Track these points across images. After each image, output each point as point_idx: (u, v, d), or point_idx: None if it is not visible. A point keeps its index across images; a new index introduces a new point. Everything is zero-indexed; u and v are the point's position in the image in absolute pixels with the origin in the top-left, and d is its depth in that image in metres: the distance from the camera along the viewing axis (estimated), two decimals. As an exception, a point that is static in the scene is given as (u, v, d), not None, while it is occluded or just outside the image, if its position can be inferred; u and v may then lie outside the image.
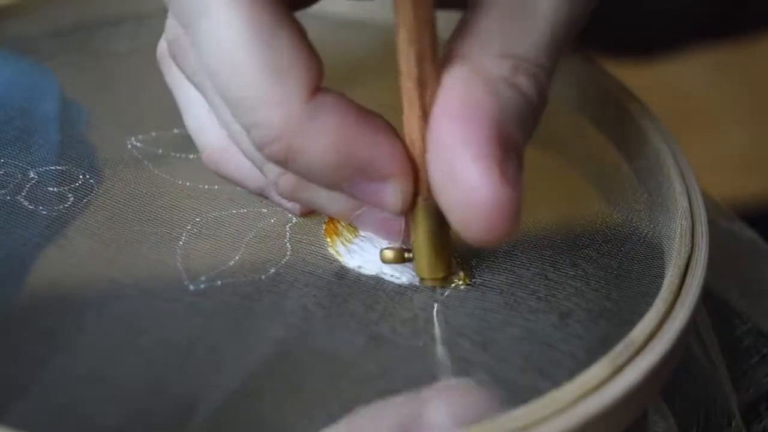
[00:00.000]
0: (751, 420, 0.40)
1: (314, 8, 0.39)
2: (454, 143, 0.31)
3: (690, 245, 0.37)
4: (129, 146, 0.42)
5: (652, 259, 0.38)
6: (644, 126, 0.42)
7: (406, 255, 0.36)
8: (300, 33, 0.32)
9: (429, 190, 0.33)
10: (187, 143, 0.40)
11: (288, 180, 0.35)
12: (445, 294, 0.36)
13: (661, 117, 0.43)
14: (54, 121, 0.43)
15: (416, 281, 0.37)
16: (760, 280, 0.43)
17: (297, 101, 0.31)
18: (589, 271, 0.37)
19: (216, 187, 0.40)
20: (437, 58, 0.32)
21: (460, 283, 0.37)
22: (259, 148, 0.32)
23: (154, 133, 0.42)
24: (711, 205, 0.41)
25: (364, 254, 0.37)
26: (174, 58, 0.35)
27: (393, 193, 0.33)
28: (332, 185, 0.33)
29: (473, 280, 0.37)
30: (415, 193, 0.34)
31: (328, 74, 0.33)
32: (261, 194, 0.38)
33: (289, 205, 0.38)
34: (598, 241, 0.39)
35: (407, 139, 0.33)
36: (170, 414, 0.32)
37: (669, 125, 0.43)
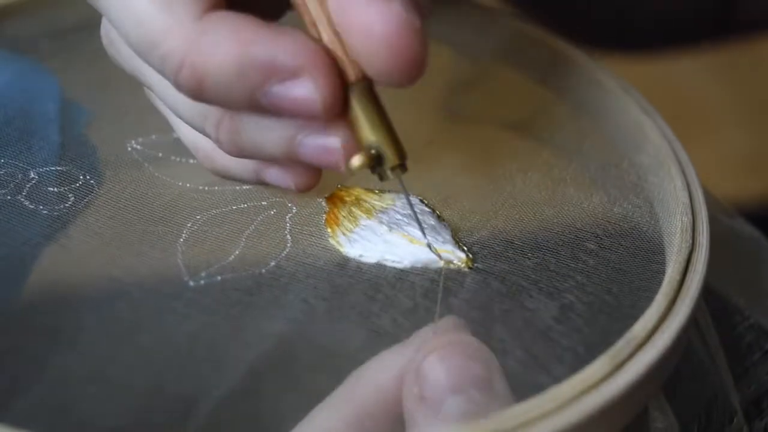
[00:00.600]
0: (753, 417, 0.40)
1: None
2: None
3: (691, 241, 0.37)
4: (129, 149, 0.42)
5: (653, 254, 0.38)
6: (644, 122, 0.42)
7: (372, 152, 0.34)
8: None
9: (359, 73, 0.33)
10: (186, 147, 0.40)
11: (225, 128, 0.35)
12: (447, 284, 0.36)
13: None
14: (54, 122, 0.43)
15: (418, 264, 0.37)
16: (761, 277, 0.43)
17: (188, 21, 0.32)
18: (590, 265, 0.37)
19: (216, 188, 0.40)
20: None
21: (462, 264, 0.37)
22: (174, 84, 0.33)
23: (154, 137, 0.42)
24: (711, 202, 0.41)
25: (365, 243, 0.38)
26: (112, 57, 0.38)
27: (309, 88, 0.32)
28: (249, 101, 0.33)
29: (475, 264, 0.37)
30: (340, 88, 0.33)
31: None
32: (258, 181, 0.38)
33: (284, 182, 0.38)
34: (599, 235, 0.39)
35: (324, 35, 0.33)
36: (171, 411, 0.32)
37: (669, 125, 0.43)
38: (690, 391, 0.37)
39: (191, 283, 0.36)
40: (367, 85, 0.34)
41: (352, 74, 0.33)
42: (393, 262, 0.37)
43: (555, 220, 0.40)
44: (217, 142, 0.36)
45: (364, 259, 0.37)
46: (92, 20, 0.48)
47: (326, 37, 0.33)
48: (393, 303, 0.35)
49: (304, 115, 0.33)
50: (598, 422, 0.31)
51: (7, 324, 0.35)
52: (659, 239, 0.39)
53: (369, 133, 0.34)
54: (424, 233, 0.37)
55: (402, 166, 0.35)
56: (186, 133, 0.38)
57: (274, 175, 0.38)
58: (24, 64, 0.46)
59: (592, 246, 0.38)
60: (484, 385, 0.32)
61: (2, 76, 0.45)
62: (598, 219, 0.40)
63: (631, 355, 0.33)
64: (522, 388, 0.32)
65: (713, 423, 0.38)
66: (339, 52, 0.33)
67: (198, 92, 0.33)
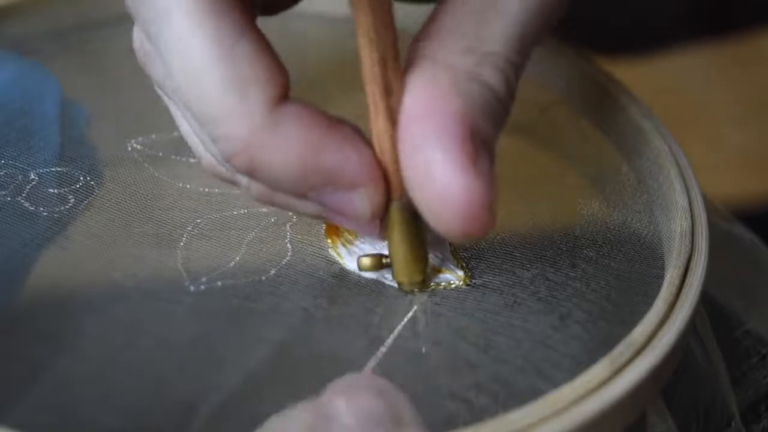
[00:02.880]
0: (751, 421, 0.40)
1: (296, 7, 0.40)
2: (425, 141, 0.31)
3: (690, 246, 0.37)
4: (129, 149, 0.42)
5: (652, 259, 0.38)
6: (644, 126, 0.42)
7: (384, 261, 0.36)
8: (262, 43, 0.31)
9: (402, 191, 0.33)
10: (187, 146, 0.40)
11: (258, 187, 0.34)
12: (443, 294, 0.36)
13: (660, 117, 0.43)
14: (54, 122, 0.43)
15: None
16: (759, 282, 0.43)
17: (258, 113, 0.31)
18: (588, 272, 0.37)
19: (216, 190, 0.40)
20: (399, 60, 0.32)
21: (460, 283, 0.37)
22: (225, 160, 0.32)
23: (154, 136, 0.42)
24: (710, 207, 0.41)
25: None
26: (143, 65, 0.35)
27: (361, 202, 0.32)
28: (299, 195, 0.33)
29: (473, 281, 0.37)
30: (387, 202, 0.33)
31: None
32: None
33: None
34: (597, 241, 0.39)
35: (377, 146, 0.33)
36: (170, 416, 0.32)
37: (668, 125, 0.43)
38: (688, 395, 0.37)
39: (192, 288, 0.36)
40: (407, 204, 0.33)
41: (397, 193, 0.33)
42: (392, 280, 0.37)
43: (554, 226, 0.40)
44: (246, 189, 0.35)
45: (364, 273, 0.37)
46: (92, 20, 0.49)
47: (387, 151, 0.33)
48: (392, 316, 0.35)
49: (347, 219, 0.33)
50: (597, 427, 0.31)
51: (7, 326, 0.35)
52: (658, 244, 0.39)
53: (390, 244, 0.35)
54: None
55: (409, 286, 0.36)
56: (189, 137, 0.38)
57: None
58: (24, 64, 0.46)
59: (591, 253, 0.38)
60: (391, 423, 0.31)
61: (2, 76, 0.45)
62: (597, 224, 0.40)
63: (630, 360, 0.33)
64: (521, 394, 0.32)
65: (711, 427, 0.38)
66: (392, 168, 0.33)
67: (249, 175, 0.32)
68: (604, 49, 0.66)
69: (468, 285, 0.37)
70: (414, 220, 0.34)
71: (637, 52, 0.77)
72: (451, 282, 0.37)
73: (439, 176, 0.31)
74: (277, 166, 0.31)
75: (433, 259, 0.37)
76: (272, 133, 0.31)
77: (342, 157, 0.32)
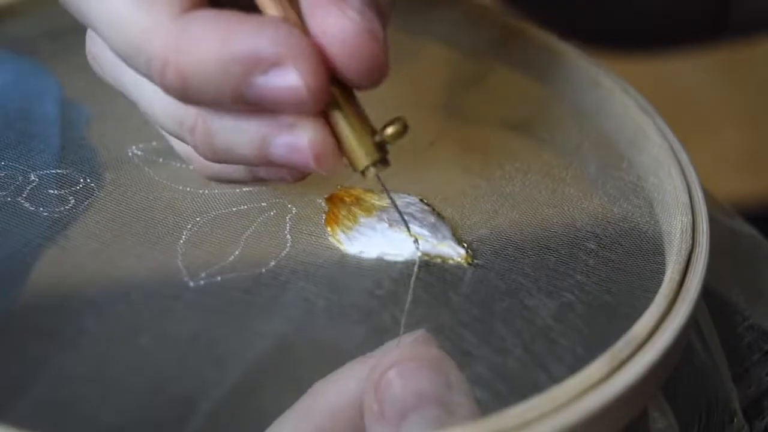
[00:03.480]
0: (753, 417, 0.40)
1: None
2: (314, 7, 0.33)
3: (691, 241, 0.37)
4: (130, 154, 0.42)
5: (653, 254, 0.38)
6: (645, 122, 0.42)
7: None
8: None
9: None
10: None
11: (199, 133, 0.34)
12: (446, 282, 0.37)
13: (661, 116, 0.43)
14: (54, 124, 0.43)
15: (416, 256, 0.37)
16: (761, 278, 0.43)
17: (165, 22, 0.32)
18: (589, 265, 0.37)
19: (216, 191, 0.40)
20: None
21: (461, 261, 0.37)
22: (162, 88, 0.33)
23: (154, 143, 0.42)
24: (711, 202, 0.41)
25: (365, 239, 0.38)
26: (97, 70, 0.37)
27: (292, 76, 0.32)
28: (234, 97, 0.32)
29: (474, 261, 0.37)
30: (323, 78, 0.32)
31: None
32: (254, 179, 0.38)
33: (278, 174, 0.37)
34: (598, 235, 0.39)
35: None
36: (172, 410, 0.32)
37: (669, 125, 0.43)
38: (690, 391, 0.37)
39: (191, 284, 0.36)
40: (341, 86, 0.33)
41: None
42: (393, 255, 0.37)
43: (555, 220, 0.40)
44: (194, 147, 0.35)
45: (365, 255, 0.37)
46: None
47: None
48: (393, 300, 0.36)
49: (292, 106, 0.32)
50: (598, 422, 0.31)
51: (8, 325, 0.35)
52: (659, 239, 0.39)
53: (338, 136, 0.34)
54: (408, 227, 0.37)
55: (373, 166, 0.34)
56: (177, 144, 0.38)
57: (267, 169, 0.37)
58: (24, 65, 0.46)
59: (592, 246, 0.38)
60: (444, 400, 0.31)
61: (2, 77, 0.45)
62: (598, 219, 0.40)
63: (631, 356, 0.33)
64: (521, 387, 0.32)
65: (713, 423, 0.38)
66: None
67: (184, 93, 0.32)
68: (607, 47, 0.66)
69: (469, 264, 0.37)
70: (348, 97, 0.34)
71: (639, 51, 0.77)
72: (451, 258, 0.37)
73: (319, 22, 0.32)
74: (197, 67, 0.32)
75: (433, 237, 0.37)
76: (184, 37, 0.32)
77: (257, 38, 0.32)
